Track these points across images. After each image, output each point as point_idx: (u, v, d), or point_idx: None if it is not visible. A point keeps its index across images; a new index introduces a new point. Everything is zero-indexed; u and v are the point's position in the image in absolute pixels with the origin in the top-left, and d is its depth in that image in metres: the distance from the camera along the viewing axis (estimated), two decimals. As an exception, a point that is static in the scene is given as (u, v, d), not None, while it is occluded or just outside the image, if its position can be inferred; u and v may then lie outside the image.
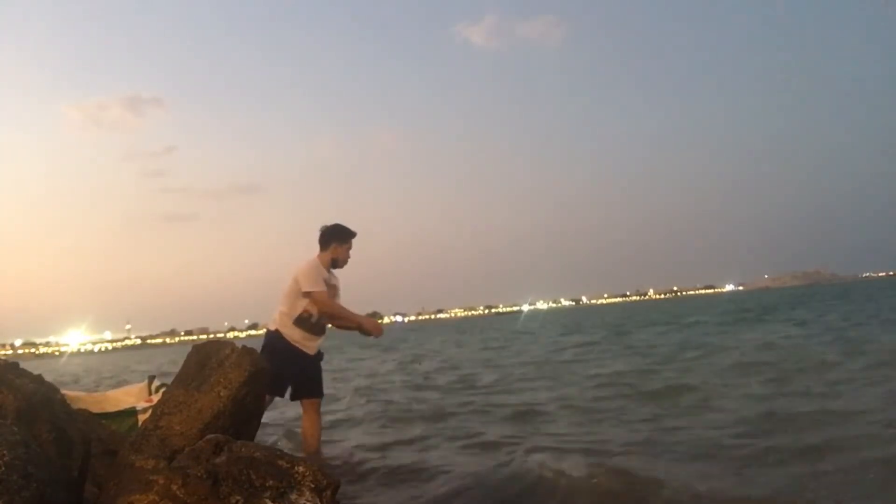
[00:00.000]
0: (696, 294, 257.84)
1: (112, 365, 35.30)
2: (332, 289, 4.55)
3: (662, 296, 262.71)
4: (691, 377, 7.69)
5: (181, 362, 2.82)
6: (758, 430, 4.55)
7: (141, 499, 1.92)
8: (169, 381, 3.30)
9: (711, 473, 3.60)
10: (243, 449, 2.00)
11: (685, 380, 7.44)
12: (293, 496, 1.89)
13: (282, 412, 6.74)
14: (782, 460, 3.73)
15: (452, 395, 8.08)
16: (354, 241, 4.63)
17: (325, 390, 4.72)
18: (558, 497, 3.34)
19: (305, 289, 4.35)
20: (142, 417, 3.54)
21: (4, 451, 1.83)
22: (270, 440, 5.47)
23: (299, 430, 4.83)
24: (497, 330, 36.07)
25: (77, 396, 3.84)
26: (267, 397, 3.71)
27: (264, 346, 4.30)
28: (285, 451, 2.13)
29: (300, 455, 2.77)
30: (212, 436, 2.09)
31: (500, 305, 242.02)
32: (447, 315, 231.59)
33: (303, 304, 4.39)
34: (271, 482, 1.90)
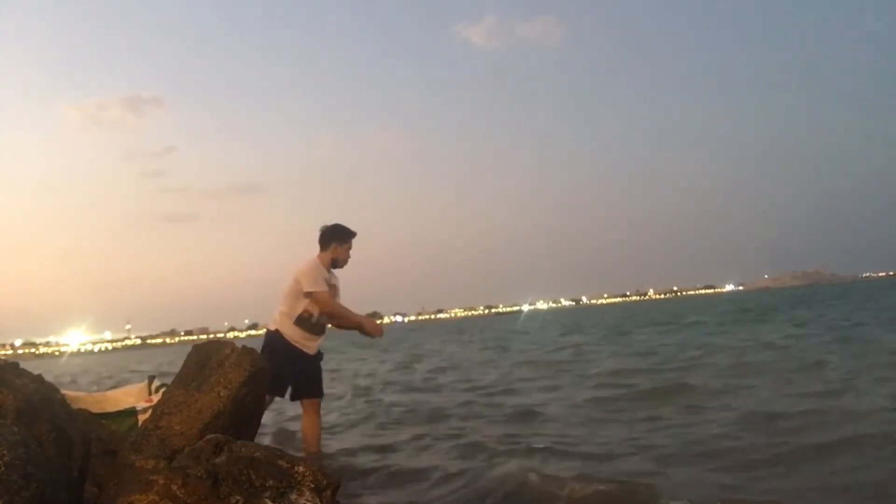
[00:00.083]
0: (696, 294, 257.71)
1: (112, 365, 35.29)
2: (333, 289, 4.55)
3: (662, 296, 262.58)
4: (689, 377, 7.67)
5: (181, 362, 2.82)
6: (756, 431, 4.53)
7: (141, 499, 1.92)
8: (169, 381, 3.31)
9: (708, 477, 3.57)
10: (243, 449, 2.00)
11: (684, 380, 7.42)
12: (293, 496, 1.89)
13: (281, 412, 6.75)
14: (780, 463, 3.71)
15: (451, 396, 8.08)
16: (354, 241, 4.63)
17: (325, 390, 4.72)
18: (554, 501, 3.33)
19: (307, 289, 4.35)
20: (142, 417, 3.53)
21: (4, 451, 1.83)
22: (269, 440, 5.48)
23: (299, 430, 4.83)
24: (497, 330, 36.08)
25: (77, 396, 3.84)
26: (267, 397, 3.71)
27: (264, 346, 4.30)
28: (285, 451, 2.13)
29: (300, 455, 2.77)
30: (212, 436, 2.09)
31: (500, 305, 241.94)
32: (447, 315, 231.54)
33: (303, 304, 4.39)
34: (271, 482, 1.90)
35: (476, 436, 5.14)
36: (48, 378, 2.81)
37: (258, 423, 3.05)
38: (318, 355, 4.59)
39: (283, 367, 4.12)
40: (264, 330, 4.75)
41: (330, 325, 4.61)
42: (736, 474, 3.58)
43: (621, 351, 12.84)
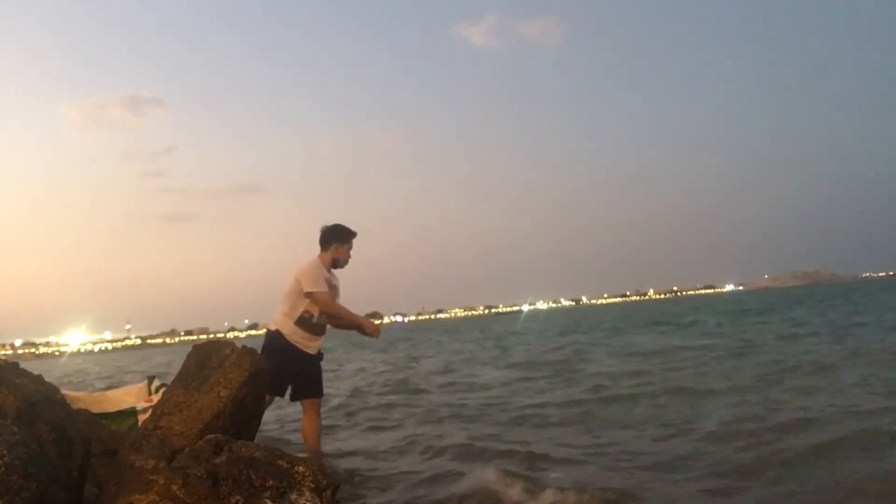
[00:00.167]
0: (696, 294, 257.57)
1: (112, 365, 35.30)
2: (333, 289, 4.55)
3: (662, 296, 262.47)
4: (685, 379, 7.60)
5: (181, 362, 2.83)
6: (748, 435, 4.46)
7: (141, 499, 1.92)
8: (169, 381, 3.31)
9: (693, 487, 3.50)
10: (243, 449, 2.00)
11: (677, 383, 7.33)
12: (293, 496, 1.89)
13: (281, 412, 6.75)
14: (771, 468, 3.65)
15: (449, 397, 8.06)
16: (355, 241, 4.63)
17: (323, 391, 4.72)
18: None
19: (307, 289, 4.35)
20: (142, 417, 3.54)
21: (4, 451, 1.84)
22: (269, 440, 5.47)
23: (299, 430, 4.83)
24: (496, 330, 36.05)
25: (77, 396, 3.84)
26: (267, 397, 3.71)
27: (265, 346, 4.30)
28: (285, 451, 2.13)
29: (300, 455, 2.77)
30: (212, 436, 2.09)
31: (500, 305, 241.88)
32: (447, 315, 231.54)
33: (304, 305, 4.39)
34: (271, 482, 1.91)
35: (471, 439, 5.10)
36: (48, 378, 2.81)
37: (258, 423, 3.06)
38: (319, 355, 4.59)
39: (283, 367, 4.12)
40: (264, 330, 4.75)
41: (329, 325, 4.61)
42: (719, 485, 3.52)
43: (616, 353, 12.79)
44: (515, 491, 3.48)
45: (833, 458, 3.74)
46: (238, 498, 1.87)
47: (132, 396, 4.00)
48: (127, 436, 3.10)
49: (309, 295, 4.36)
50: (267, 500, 1.87)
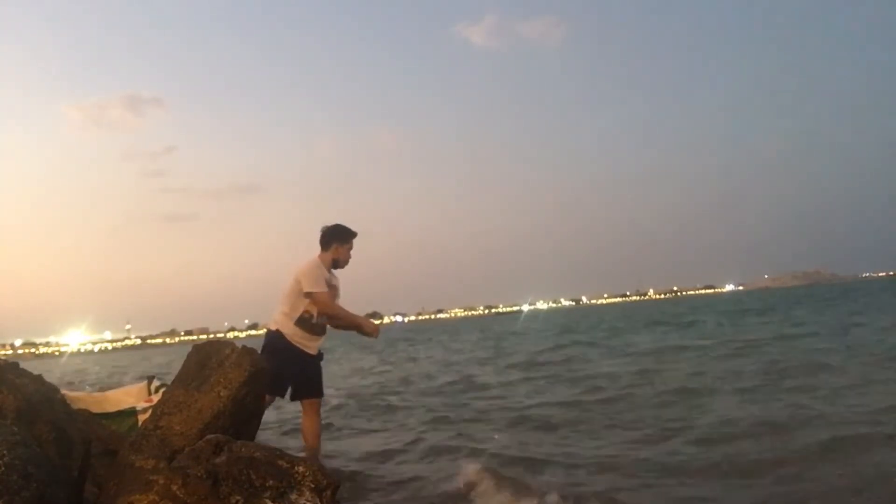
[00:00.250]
0: (696, 294, 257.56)
1: (112, 365, 35.29)
2: (333, 289, 4.55)
3: (662, 296, 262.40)
4: (684, 380, 7.56)
5: (181, 362, 2.83)
6: (747, 436, 4.44)
7: (141, 499, 1.92)
8: (169, 381, 3.31)
9: (687, 492, 3.47)
10: (243, 449, 2.00)
11: (678, 383, 7.33)
12: (293, 496, 1.89)
13: (281, 412, 6.75)
14: (771, 470, 3.62)
15: (448, 398, 8.05)
16: (355, 242, 4.62)
17: (323, 391, 4.71)
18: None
19: (307, 289, 4.35)
20: (142, 417, 3.54)
21: (4, 451, 1.84)
22: (269, 440, 5.47)
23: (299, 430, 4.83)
24: (495, 331, 36.05)
25: (77, 396, 3.84)
26: (267, 397, 3.71)
27: (265, 346, 4.29)
28: (285, 451, 2.13)
29: (300, 455, 2.77)
30: (212, 436, 2.09)
31: (500, 305, 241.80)
32: (447, 315, 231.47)
33: (304, 305, 4.39)
34: (271, 482, 1.91)
35: (467, 442, 5.08)
36: (48, 378, 2.81)
37: (258, 423, 3.06)
38: (319, 356, 4.59)
39: (283, 367, 4.12)
40: (264, 330, 4.75)
41: (329, 326, 4.61)
42: (708, 491, 3.51)
43: (615, 353, 12.78)
44: (505, 495, 3.46)
45: (832, 458, 3.73)
46: (238, 498, 1.87)
47: (132, 396, 4.00)
48: (127, 436, 3.10)
49: (308, 295, 4.36)
50: (267, 500, 1.87)
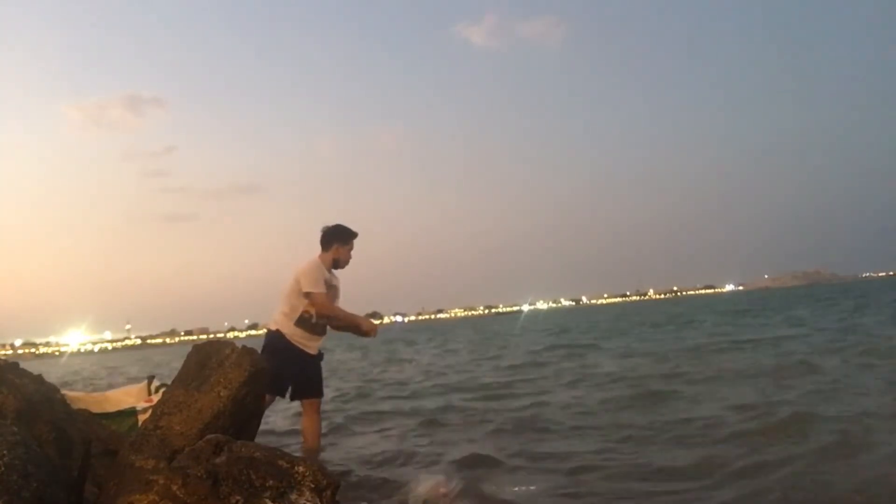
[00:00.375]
0: (696, 294, 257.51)
1: (112, 365, 35.28)
2: (333, 289, 4.55)
3: (662, 296, 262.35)
4: (670, 384, 7.42)
5: (181, 362, 2.82)
6: (741, 437, 4.39)
7: (141, 499, 1.92)
8: (169, 381, 3.31)
9: (660, 493, 3.44)
10: (243, 449, 2.00)
11: (662, 387, 7.24)
12: (293, 496, 1.89)
13: (280, 412, 6.74)
14: (767, 474, 3.57)
15: (445, 398, 7.99)
16: (355, 242, 4.63)
17: (323, 391, 4.71)
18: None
19: (306, 289, 4.35)
20: (142, 417, 3.53)
21: (4, 451, 1.83)
22: (269, 440, 5.46)
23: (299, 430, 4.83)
24: (496, 330, 36.05)
25: (77, 396, 3.83)
26: (267, 397, 3.71)
27: (265, 346, 4.30)
28: (285, 451, 2.12)
29: (300, 455, 2.77)
30: (212, 436, 2.09)
31: (500, 305, 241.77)
32: (447, 315, 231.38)
33: (303, 305, 4.39)
34: (271, 482, 1.90)
35: (461, 445, 5.04)
36: (48, 378, 2.81)
37: (258, 423, 3.06)
38: (319, 355, 4.59)
39: (283, 367, 4.12)
40: (264, 330, 4.75)
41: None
42: (710, 480, 3.50)
43: (614, 354, 12.70)
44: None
45: (830, 460, 3.72)
46: (238, 498, 1.86)
47: (132, 396, 3.99)
48: (127, 436, 3.10)
49: (307, 295, 4.36)
50: (267, 500, 1.87)
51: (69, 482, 2.20)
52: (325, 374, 4.72)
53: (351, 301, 4.68)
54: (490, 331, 36.57)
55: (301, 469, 1.95)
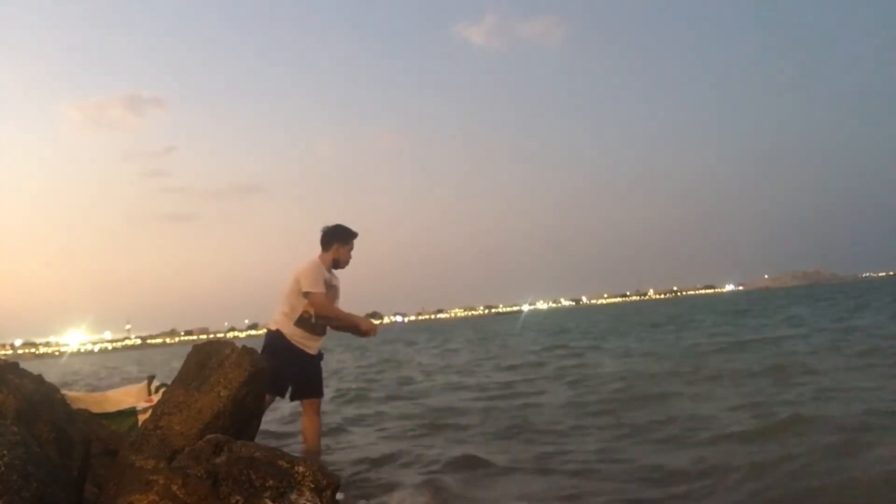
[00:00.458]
0: (696, 294, 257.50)
1: (112, 365, 35.28)
2: (333, 289, 4.55)
3: (662, 296, 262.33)
4: (669, 385, 7.38)
5: (181, 362, 2.82)
6: (728, 444, 4.32)
7: (141, 499, 1.92)
8: (169, 381, 3.31)
9: (645, 496, 3.42)
10: (243, 449, 2.00)
11: (661, 387, 7.22)
12: (293, 496, 1.89)
13: (280, 412, 6.74)
14: (757, 478, 3.50)
15: (443, 400, 7.98)
16: (356, 242, 4.63)
17: (323, 391, 4.71)
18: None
19: (305, 289, 4.35)
20: (142, 417, 3.53)
21: (4, 451, 1.84)
22: (269, 440, 5.46)
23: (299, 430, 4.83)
24: (495, 331, 36.03)
25: (77, 396, 3.84)
26: (267, 397, 3.71)
27: (265, 346, 4.30)
28: (285, 451, 2.12)
29: (300, 455, 2.77)
30: (212, 436, 2.09)
31: (500, 305, 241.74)
32: (447, 315, 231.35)
33: (303, 305, 4.39)
34: (271, 482, 1.90)
35: (452, 444, 5.04)
36: (48, 378, 2.81)
37: (258, 423, 3.06)
38: (319, 355, 4.59)
39: (283, 367, 4.12)
40: (264, 330, 4.75)
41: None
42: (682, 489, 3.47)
43: (612, 354, 12.65)
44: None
45: (831, 460, 3.72)
46: (238, 498, 1.86)
47: (132, 396, 3.99)
48: (127, 436, 3.10)
49: (306, 295, 4.36)
50: (267, 500, 1.87)
51: (69, 482, 2.20)
52: (324, 374, 4.72)
53: (351, 301, 4.68)
54: (490, 331, 36.55)
55: (301, 469, 1.95)
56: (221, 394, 2.58)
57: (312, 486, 1.92)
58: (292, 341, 4.39)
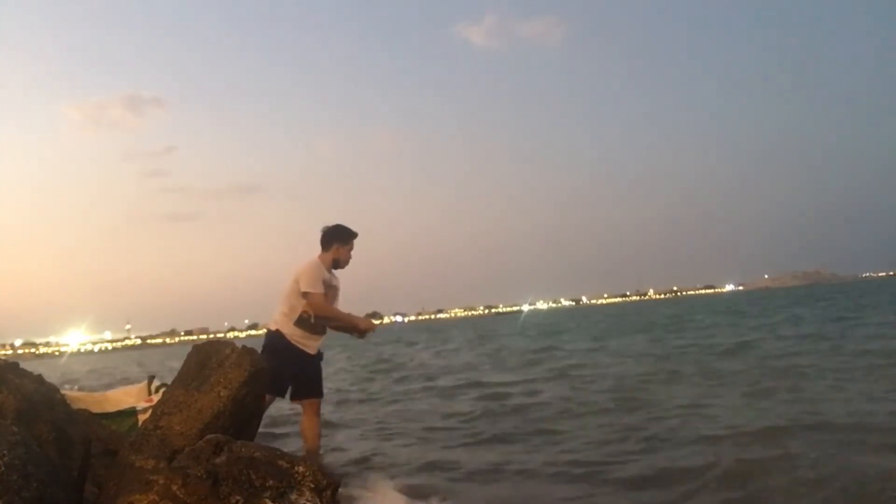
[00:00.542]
0: (696, 294, 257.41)
1: (112, 365, 35.27)
2: (333, 290, 4.55)
3: (662, 296, 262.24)
4: (668, 385, 7.36)
5: (181, 362, 2.82)
6: (725, 445, 4.28)
7: (141, 499, 1.92)
8: (169, 381, 3.31)
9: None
10: (243, 449, 2.00)
11: (659, 387, 7.20)
12: (293, 496, 1.89)
13: (280, 412, 6.74)
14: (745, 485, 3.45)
15: (440, 399, 7.99)
16: (356, 242, 4.62)
17: (323, 391, 4.70)
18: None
19: (303, 289, 4.35)
20: (142, 417, 3.54)
21: (4, 451, 1.84)
22: (269, 440, 5.46)
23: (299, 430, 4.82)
24: (495, 331, 36.00)
25: (77, 396, 3.84)
26: (267, 397, 3.71)
27: (265, 346, 4.29)
28: (285, 451, 2.12)
29: (300, 455, 2.77)
30: (212, 436, 2.09)
31: (500, 305, 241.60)
32: (447, 315, 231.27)
33: (303, 305, 4.39)
34: (271, 482, 1.90)
35: (450, 446, 5.04)
36: (48, 378, 2.81)
37: (258, 423, 3.06)
38: (319, 355, 4.59)
39: (283, 367, 4.12)
40: (264, 330, 4.75)
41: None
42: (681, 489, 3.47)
43: (611, 355, 12.63)
44: None
45: (831, 460, 3.71)
46: (238, 498, 1.86)
47: (132, 396, 4.00)
48: (127, 436, 3.10)
49: (305, 295, 4.36)
50: (267, 500, 1.87)
51: (69, 482, 2.21)
52: (324, 374, 4.72)
53: (351, 301, 4.67)
54: (490, 331, 36.52)
55: (301, 469, 1.96)
56: (221, 394, 2.58)
57: (312, 486, 1.92)
58: (292, 341, 4.39)
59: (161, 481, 1.92)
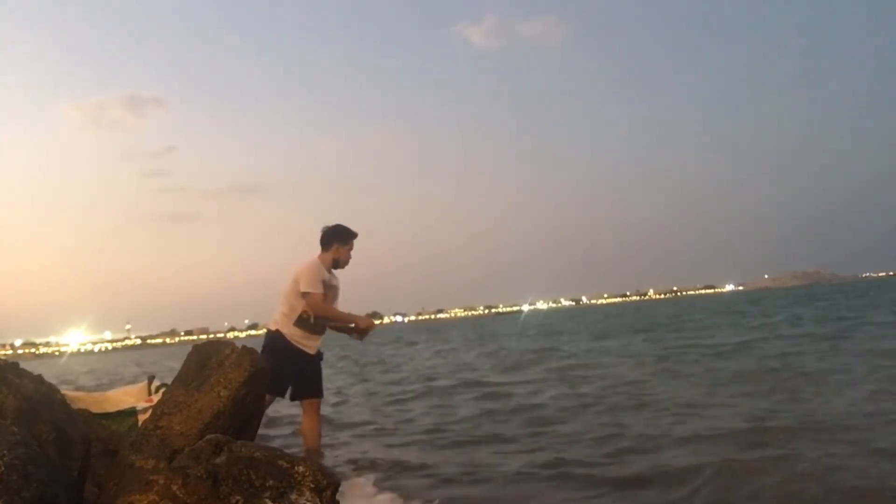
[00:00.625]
0: (696, 294, 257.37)
1: (112, 365, 35.26)
2: (333, 290, 4.55)
3: (662, 296, 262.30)
4: (667, 385, 7.34)
5: (181, 362, 2.82)
6: (724, 445, 4.26)
7: (141, 499, 1.92)
8: (169, 381, 3.31)
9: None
10: (243, 449, 1.99)
11: (658, 388, 7.17)
12: (293, 496, 1.89)
13: (280, 412, 6.74)
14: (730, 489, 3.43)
15: (438, 400, 7.96)
16: (356, 242, 4.63)
17: (323, 391, 4.70)
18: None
19: (303, 289, 4.35)
20: (142, 417, 3.53)
21: (4, 451, 1.83)
22: (269, 440, 5.46)
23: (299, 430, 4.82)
24: (494, 331, 36.01)
25: (77, 396, 3.84)
26: (267, 397, 3.71)
27: (265, 346, 4.30)
28: (285, 451, 2.12)
29: (300, 455, 2.77)
30: (212, 436, 2.09)
31: (500, 305, 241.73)
32: (447, 315, 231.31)
33: (302, 305, 4.39)
34: (271, 482, 1.90)
35: (446, 449, 4.98)
36: (48, 378, 2.81)
37: (258, 423, 3.06)
38: (319, 355, 4.59)
39: (283, 367, 4.12)
40: (264, 330, 4.75)
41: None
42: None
43: (609, 355, 12.64)
44: None
45: (831, 460, 3.72)
46: (238, 498, 1.86)
47: (132, 396, 3.99)
48: (127, 436, 3.10)
49: (304, 295, 4.36)
50: (267, 500, 1.87)
51: (69, 482, 2.20)
52: (323, 374, 4.72)
53: (351, 301, 4.68)
54: (490, 331, 36.53)
55: (301, 469, 1.95)
56: (221, 394, 2.58)
57: (312, 486, 1.92)
58: (292, 341, 4.39)
59: (161, 481, 1.92)
